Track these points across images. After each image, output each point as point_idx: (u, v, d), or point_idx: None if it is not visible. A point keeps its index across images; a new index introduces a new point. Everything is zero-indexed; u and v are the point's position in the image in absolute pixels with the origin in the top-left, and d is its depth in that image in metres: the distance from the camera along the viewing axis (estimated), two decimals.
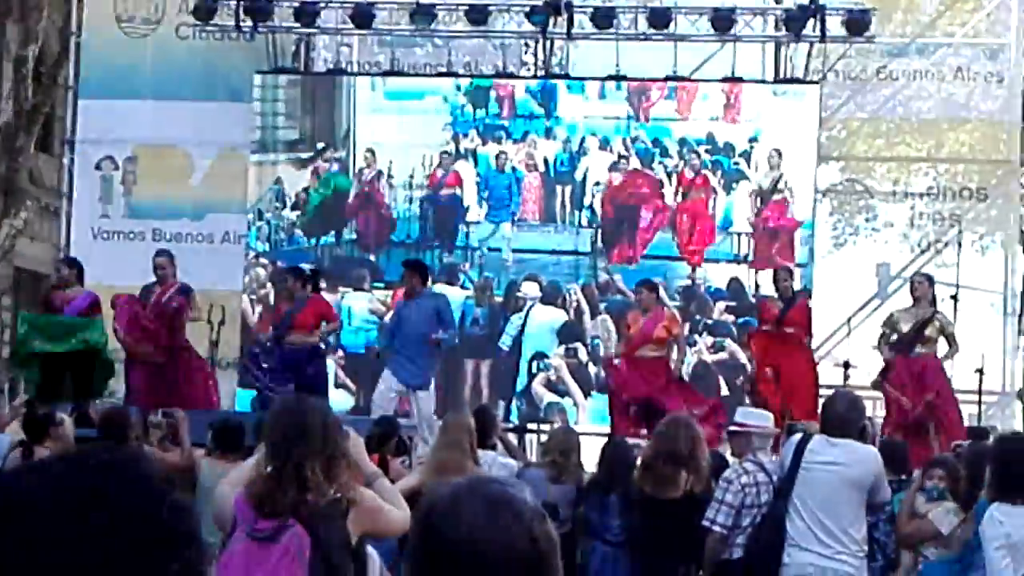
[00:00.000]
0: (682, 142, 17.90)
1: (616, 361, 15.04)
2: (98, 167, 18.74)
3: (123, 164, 18.68)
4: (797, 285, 15.68)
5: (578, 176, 18.01)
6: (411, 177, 18.03)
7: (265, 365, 14.55)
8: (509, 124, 18.24)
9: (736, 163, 17.74)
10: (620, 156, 17.92)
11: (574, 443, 10.76)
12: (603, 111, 18.27)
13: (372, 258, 18.11)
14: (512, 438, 14.36)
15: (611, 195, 17.91)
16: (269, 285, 18.01)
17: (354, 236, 18.26)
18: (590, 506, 9.90)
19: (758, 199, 17.80)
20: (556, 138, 18.17)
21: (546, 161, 18.11)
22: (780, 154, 17.63)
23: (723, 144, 17.86)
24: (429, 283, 15.22)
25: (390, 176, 18.07)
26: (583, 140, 18.05)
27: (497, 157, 18.12)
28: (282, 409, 5.58)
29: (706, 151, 17.86)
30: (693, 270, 17.56)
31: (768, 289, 15.91)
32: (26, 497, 1.73)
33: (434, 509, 2.39)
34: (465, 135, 18.17)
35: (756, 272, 17.48)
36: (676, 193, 17.89)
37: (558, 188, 18.06)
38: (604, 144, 18.01)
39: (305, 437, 5.25)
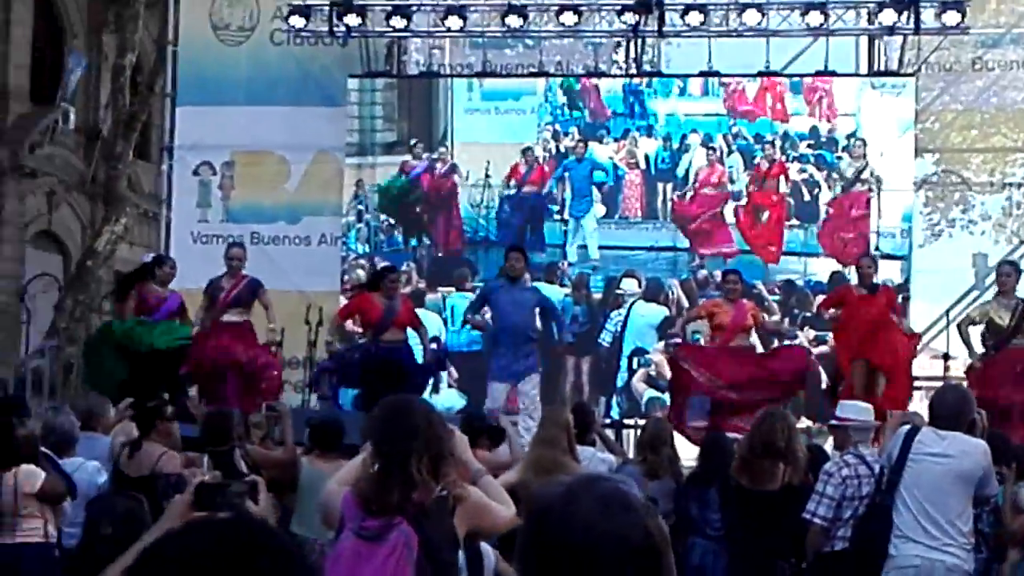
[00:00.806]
0: (784, 136, 17.83)
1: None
2: (196, 172, 18.96)
3: (220, 169, 18.89)
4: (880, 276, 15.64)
5: (679, 173, 18.00)
6: (509, 177, 18.08)
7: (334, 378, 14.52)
8: (609, 122, 18.23)
9: (840, 157, 17.63)
10: (721, 152, 17.87)
11: (665, 436, 10.73)
12: (700, 108, 18.25)
13: (470, 257, 18.15)
14: (610, 434, 14.37)
15: (699, 190, 17.91)
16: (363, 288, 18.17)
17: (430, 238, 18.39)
18: (690, 500, 9.91)
19: (840, 189, 17.73)
20: (656, 136, 18.13)
21: (647, 158, 18.09)
22: (865, 144, 17.50)
23: (826, 138, 17.76)
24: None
25: (488, 175, 18.12)
26: (684, 137, 18.03)
27: (574, 148, 18.15)
28: (387, 407, 5.56)
29: (808, 146, 17.77)
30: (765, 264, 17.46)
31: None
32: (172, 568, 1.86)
33: (548, 508, 2.43)
34: (566, 134, 18.20)
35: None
36: (751, 183, 17.85)
37: (659, 185, 18.05)
38: (707, 141, 17.99)
39: (411, 435, 5.27)
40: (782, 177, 17.82)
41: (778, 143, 17.81)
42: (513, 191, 18.14)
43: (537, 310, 14.68)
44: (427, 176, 18.40)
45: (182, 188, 19.08)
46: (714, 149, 17.89)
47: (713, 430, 12.97)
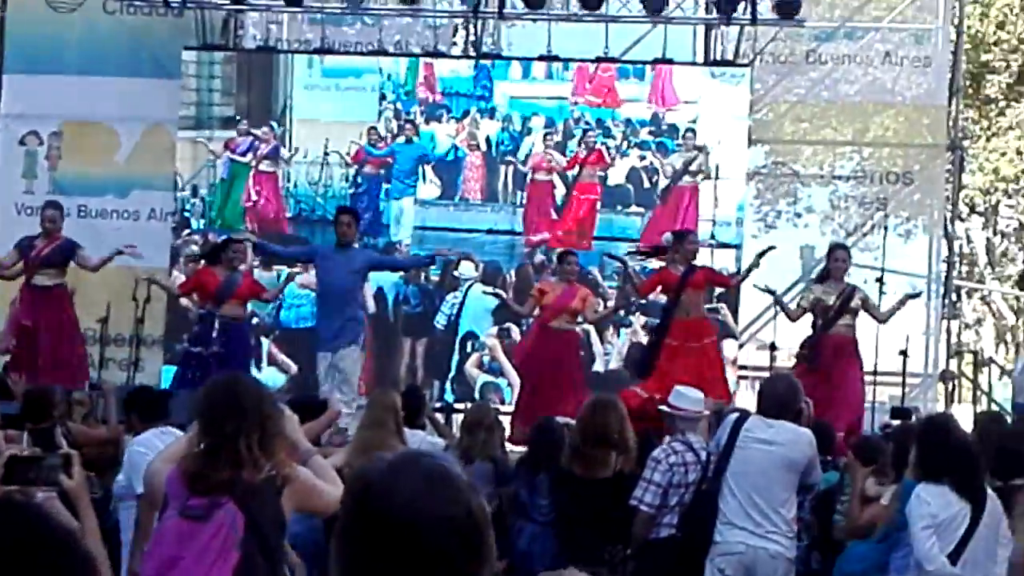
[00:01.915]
0: (627, 123, 17.88)
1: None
2: (22, 142, 18.48)
3: (48, 139, 18.43)
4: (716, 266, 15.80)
5: (520, 156, 18.00)
6: (347, 154, 17.93)
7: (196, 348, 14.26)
8: (449, 102, 18.18)
9: (680, 144, 17.75)
10: (564, 136, 17.91)
11: (483, 419, 10.68)
12: (543, 92, 18.25)
13: (306, 235, 17.89)
14: (441, 418, 14.36)
15: (533, 176, 17.97)
16: (203, 262, 17.92)
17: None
18: (519, 485, 9.91)
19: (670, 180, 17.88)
20: (497, 118, 18.11)
21: (488, 140, 18.08)
22: (695, 134, 17.66)
23: (667, 126, 17.85)
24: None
25: (326, 153, 17.95)
26: (525, 120, 18.03)
27: (404, 129, 18.07)
28: (216, 385, 5.51)
29: (650, 132, 17.84)
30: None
31: None
32: None
33: (370, 484, 2.40)
34: (408, 113, 18.10)
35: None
36: (571, 170, 17.93)
37: (500, 168, 18.04)
38: (550, 124, 17.97)
39: (240, 413, 5.20)
40: (595, 165, 17.90)
41: (619, 130, 17.88)
42: (353, 170, 17.99)
43: (368, 280, 14.51)
44: (249, 156, 18.21)
45: (7, 158, 18.55)
46: (549, 135, 17.92)
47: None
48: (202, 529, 5.14)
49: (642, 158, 17.86)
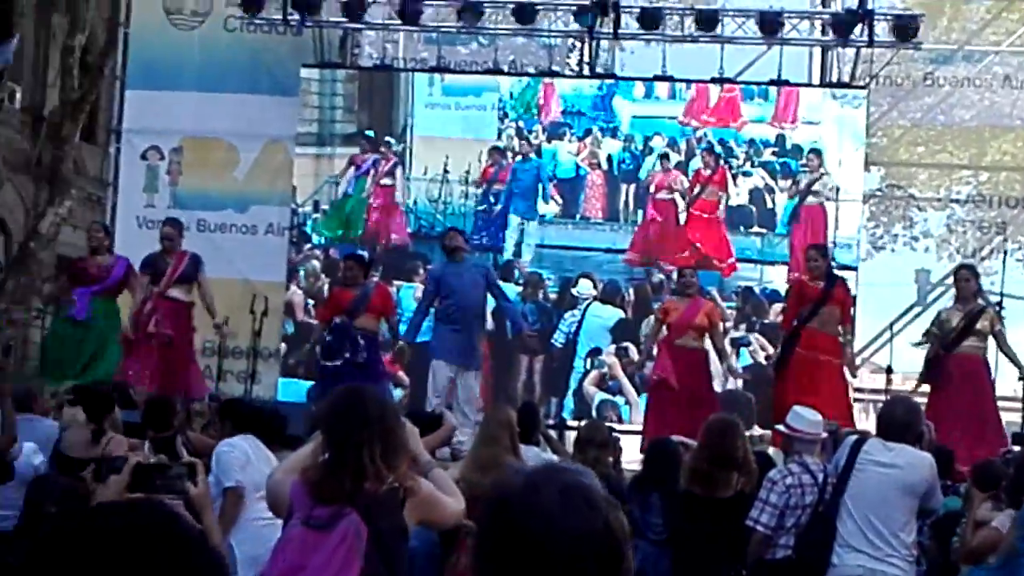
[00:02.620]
0: (750, 143, 17.85)
1: (654, 350, 14.94)
2: (144, 157, 18.80)
3: (169, 155, 18.73)
4: None
5: (642, 175, 17.99)
6: (467, 172, 18.03)
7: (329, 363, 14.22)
8: (572, 121, 18.23)
9: (804, 165, 17.62)
10: (686, 157, 17.87)
11: (595, 437, 10.66)
12: (665, 111, 18.24)
13: (425, 251, 17.96)
14: (554, 435, 14.34)
15: (654, 195, 17.91)
16: (323, 276, 18.09)
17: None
18: (633, 504, 9.89)
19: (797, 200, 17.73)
20: (619, 137, 18.12)
21: (609, 159, 18.09)
22: (820, 154, 17.54)
23: (791, 146, 17.78)
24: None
25: (446, 171, 18.06)
26: (647, 139, 18.03)
27: (522, 148, 18.14)
28: (340, 396, 5.52)
29: (773, 153, 17.79)
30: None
31: None
32: (67, 556, 1.77)
33: (508, 499, 2.41)
34: (530, 131, 18.19)
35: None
36: (692, 189, 17.85)
37: (622, 187, 18.03)
38: (672, 144, 17.97)
39: (363, 424, 5.23)
40: (719, 184, 17.83)
41: (742, 150, 17.81)
42: (480, 189, 18.08)
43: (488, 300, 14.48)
44: (371, 173, 18.37)
45: (129, 172, 18.91)
46: (667, 156, 17.89)
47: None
48: (326, 539, 5.18)
49: (769, 177, 17.74)
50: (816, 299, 13.80)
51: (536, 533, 2.33)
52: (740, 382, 16.52)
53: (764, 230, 17.67)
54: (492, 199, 18.07)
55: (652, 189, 17.88)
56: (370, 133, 18.47)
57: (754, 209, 17.76)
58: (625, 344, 17.25)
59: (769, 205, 17.68)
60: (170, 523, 1.85)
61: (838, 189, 17.46)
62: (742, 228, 17.70)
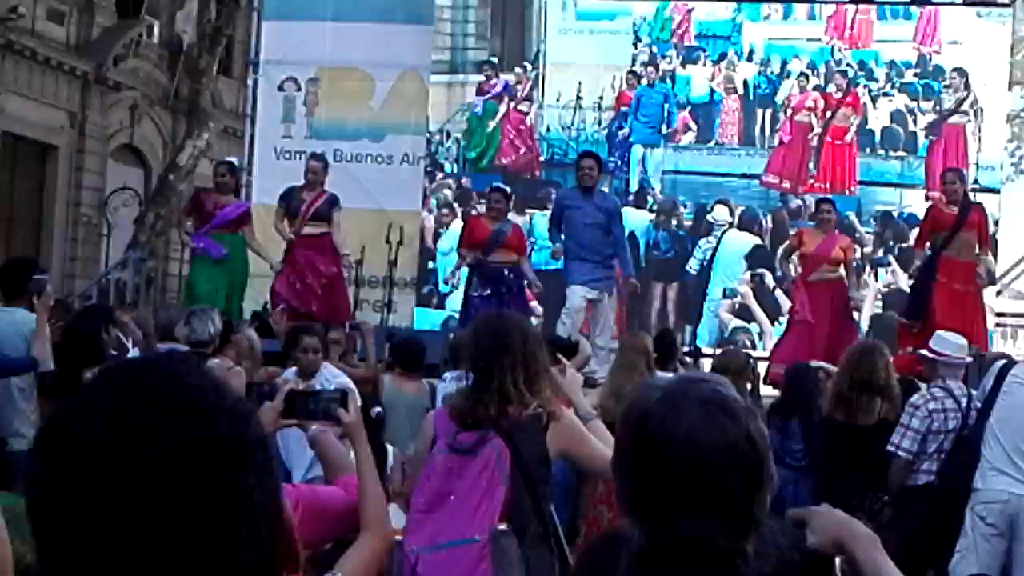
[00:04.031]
0: (891, 64, 17.55)
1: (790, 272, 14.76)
2: (280, 88, 18.88)
3: (305, 85, 18.80)
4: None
5: (778, 99, 17.78)
6: (600, 99, 17.94)
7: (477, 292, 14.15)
8: (706, 45, 18.05)
9: (948, 86, 17.29)
10: (825, 80, 17.62)
11: (730, 364, 10.57)
12: (802, 33, 17.98)
13: (558, 179, 17.84)
14: (690, 362, 14.29)
15: (791, 117, 17.71)
16: (456, 206, 18.14)
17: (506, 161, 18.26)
18: (772, 429, 9.84)
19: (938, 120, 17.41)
20: (755, 61, 17.91)
21: (745, 84, 17.89)
22: (966, 74, 17.17)
23: (932, 67, 17.44)
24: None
25: (579, 97, 17.97)
26: (784, 63, 17.79)
27: (648, 71, 17.95)
28: (483, 324, 5.60)
29: (915, 74, 17.48)
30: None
31: None
32: (78, 408, 1.61)
33: (648, 413, 2.40)
34: (664, 56, 18.03)
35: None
36: (824, 114, 17.59)
37: (758, 111, 17.85)
38: (811, 67, 17.73)
39: (506, 350, 5.26)
40: (851, 107, 17.57)
41: (882, 72, 17.52)
42: (607, 114, 17.96)
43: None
44: (505, 99, 18.33)
45: (266, 104, 19.01)
46: (805, 76, 17.64)
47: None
48: (471, 463, 5.22)
49: (911, 100, 17.44)
50: (951, 226, 13.52)
51: (678, 446, 2.33)
52: (881, 305, 16.31)
53: (905, 153, 17.37)
54: (622, 125, 17.97)
55: (789, 111, 17.66)
56: (494, 59, 18.41)
57: (899, 130, 17.44)
58: (760, 271, 17.11)
59: (911, 128, 17.38)
60: (188, 366, 1.69)
61: (982, 110, 17.10)
62: (882, 152, 17.42)
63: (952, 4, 17.82)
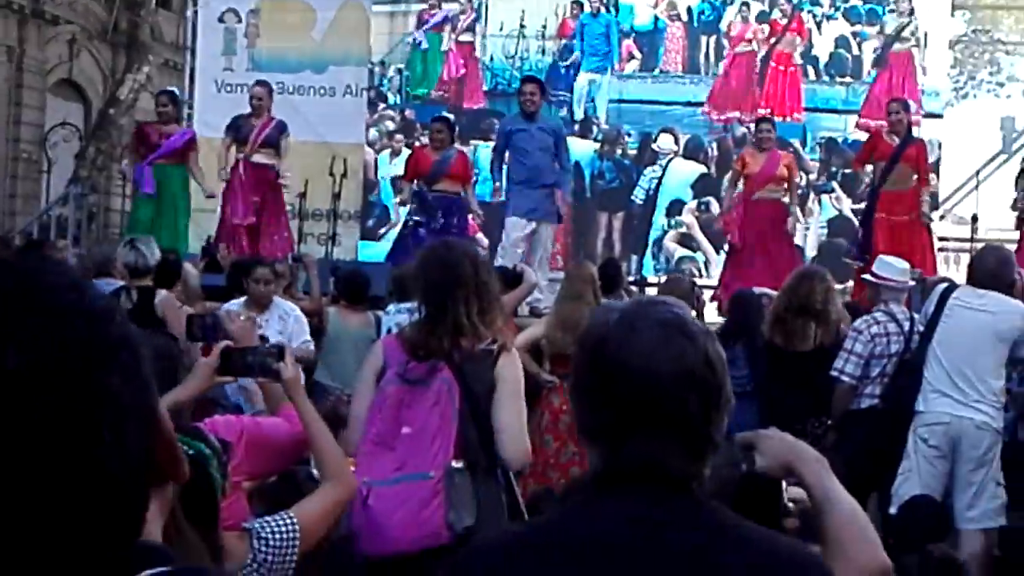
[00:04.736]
0: None
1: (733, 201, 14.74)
2: (221, 20, 18.69)
3: (246, 17, 18.59)
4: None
5: (722, 26, 17.71)
6: (543, 28, 17.84)
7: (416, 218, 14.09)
8: None
9: (892, 9, 17.26)
10: (770, 5, 17.55)
11: (675, 290, 10.61)
12: None
13: (502, 109, 17.72)
14: (635, 290, 14.34)
15: (732, 47, 17.67)
16: (399, 136, 18.06)
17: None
18: None
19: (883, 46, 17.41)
20: None
21: (689, 11, 17.81)
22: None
23: None
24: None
25: (522, 26, 17.87)
26: None
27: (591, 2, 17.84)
28: (432, 255, 5.49)
29: None
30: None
31: None
32: None
33: (605, 336, 2.37)
34: None
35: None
36: (768, 40, 17.56)
37: (702, 39, 17.78)
38: None
39: (458, 281, 5.23)
40: (796, 33, 17.55)
41: None
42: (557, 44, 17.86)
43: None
44: (447, 29, 18.20)
45: (206, 36, 18.80)
46: (747, 4, 17.60)
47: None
48: (422, 395, 5.21)
49: (855, 24, 17.40)
50: (890, 156, 13.59)
51: (636, 368, 2.30)
52: (825, 232, 16.39)
53: (851, 79, 17.40)
54: (567, 54, 17.89)
55: (730, 42, 17.63)
56: None
57: (846, 55, 17.43)
58: (707, 199, 17.13)
59: (856, 52, 17.38)
60: (43, 263, 1.54)
61: (926, 35, 17.15)
62: (831, 78, 17.43)
63: None
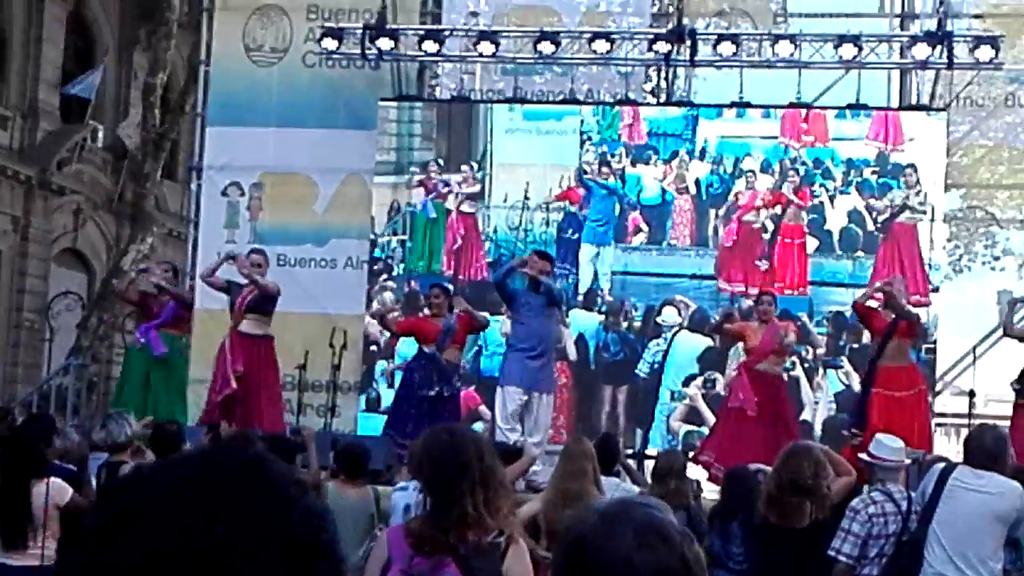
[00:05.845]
0: (848, 162, 17.59)
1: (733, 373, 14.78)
2: (224, 193, 18.90)
3: (249, 190, 18.84)
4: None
5: (731, 199, 17.77)
6: (548, 203, 17.87)
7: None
8: (657, 144, 18.02)
9: (904, 183, 17.34)
10: (781, 178, 17.61)
11: (673, 467, 10.62)
12: (755, 131, 18.00)
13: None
14: (633, 464, 14.29)
15: (739, 217, 17.74)
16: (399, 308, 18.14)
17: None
18: (714, 533, 9.86)
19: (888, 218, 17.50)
20: (707, 159, 17.90)
21: (697, 183, 17.86)
22: (916, 170, 17.31)
23: (892, 165, 17.49)
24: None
25: (527, 197, 18.03)
26: (737, 161, 17.79)
27: (599, 171, 17.96)
28: (435, 441, 5.33)
29: (873, 172, 17.53)
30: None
31: None
32: (144, 503, 1.52)
33: (582, 537, 2.38)
34: (614, 155, 18.05)
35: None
36: (770, 205, 17.62)
37: (711, 211, 17.83)
38: (766, 166, 17.72)
39: (464, 470, 5.09)
40: (798, 207, 17.65)
41: (840, 170, 17.59)
42: (561, 215, 17.98)
43: (569, 327, 14.22)
44: (451, 198, 18.35)
45: (210, 208, 19.03)
46: (753, 173, 17.70)
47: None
48: None
49: (867, 198, 17.47)
50: (884, 331, 13.70)
51: (613, 571, 2.32)
52: (834, 407, 16.37)
53: (862, 253, 17.46)
54: (570, 226, 17.97)
55: (736, 210, 17.64)
56: (440, 161, 18.49)
57: (857, 230, 17.48)
58: (713, 375, 17.04)
59: (869, 228, 17.46)
60: (262, 461, 1.58)
61: (933, 208, 17.32)
62: (842, 252, 17.47)
63: (888, 109, 18.10)
